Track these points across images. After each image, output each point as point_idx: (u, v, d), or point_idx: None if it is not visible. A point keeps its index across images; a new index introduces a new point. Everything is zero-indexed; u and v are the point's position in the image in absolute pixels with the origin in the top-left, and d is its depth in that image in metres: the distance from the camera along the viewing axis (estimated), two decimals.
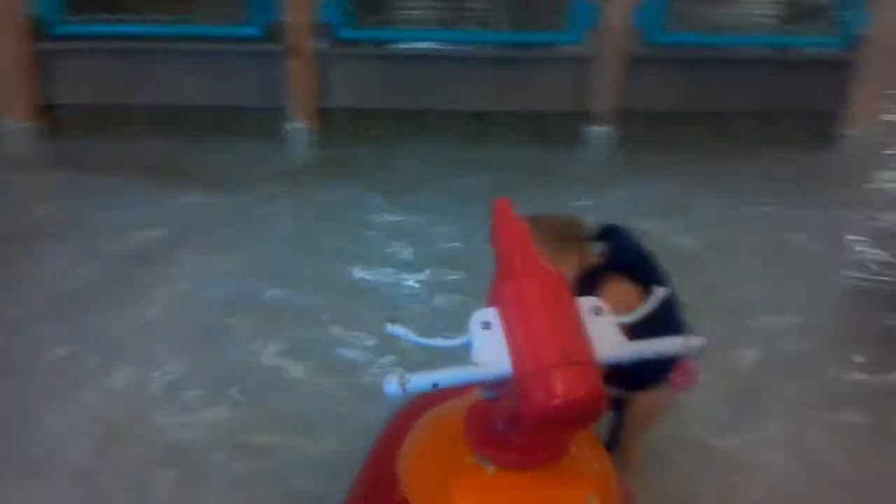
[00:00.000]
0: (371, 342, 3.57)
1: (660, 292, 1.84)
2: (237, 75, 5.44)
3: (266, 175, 5.13)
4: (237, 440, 3.06)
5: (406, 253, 4.33)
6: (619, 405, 2.76)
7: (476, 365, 1.66)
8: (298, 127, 5.49)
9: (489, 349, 1.68)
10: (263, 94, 5.47)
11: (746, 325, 3.79)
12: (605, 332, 1.72)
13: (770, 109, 5.72)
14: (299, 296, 3.90)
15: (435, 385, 1.65)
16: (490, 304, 1.74)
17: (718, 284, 4.07)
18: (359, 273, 4.13)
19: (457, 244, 4.40)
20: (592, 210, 4.62)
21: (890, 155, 5.74)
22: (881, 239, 4.67)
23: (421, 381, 1.64)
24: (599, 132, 5.58)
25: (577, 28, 5.36)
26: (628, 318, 1.78)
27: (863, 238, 4.68)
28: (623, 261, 2.60)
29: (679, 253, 4.27)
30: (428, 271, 4.16)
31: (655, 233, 4.16)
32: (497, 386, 1.75)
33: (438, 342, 1.73)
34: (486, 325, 1.70)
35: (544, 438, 1.82)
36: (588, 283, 2.51)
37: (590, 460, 1.92)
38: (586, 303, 1.75)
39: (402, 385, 1.63)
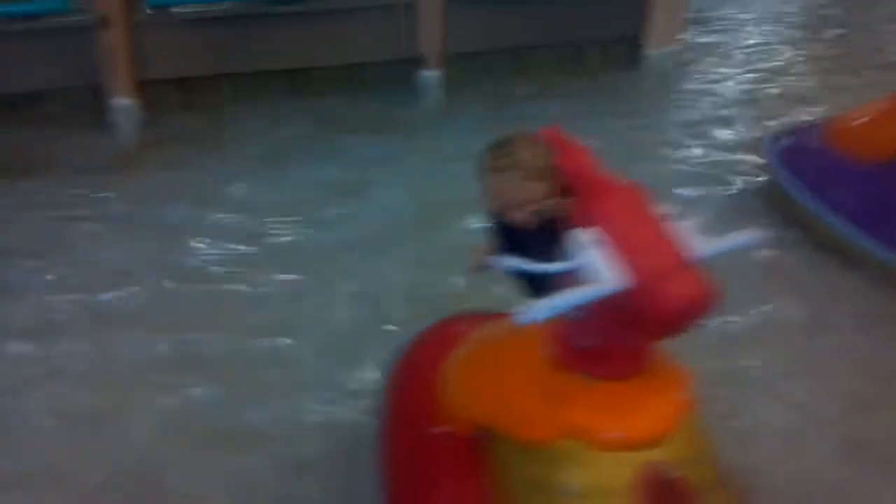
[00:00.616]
0: None
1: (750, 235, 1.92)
2: (44, 55, 4.97)
3: (93, 162, 4.78)
4: None
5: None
6: None
7: (594, 283, 1.72)
8: (121, 104, 5.12)
9: (601, 266, 1.73)
10: (76, 72, 5.05)
11: None
12: (686, 234, 1.82)
13: (577, 39, 6.01)
14: None
15: (566, 308, 1.69)
16: (584, 224, 1.79)
17: None
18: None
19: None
20: (430, 150, 4.90)
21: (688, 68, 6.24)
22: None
23: (551, 307, 1.68)
24: (428, 77, 5.63)
25: None
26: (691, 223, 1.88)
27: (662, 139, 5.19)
28: None
29: None
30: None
31: None
32: (585, 305, 1.81)
33: (550, 267, 1.77)
34: (590, 245, 1.75)
35: (639, 346, 1.92)
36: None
37: (664, 360, 2.02)
38: (661, 210, 1.85)
39: (535, 313, 1.67)
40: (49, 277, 3.78)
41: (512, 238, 2.68)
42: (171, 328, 3.45)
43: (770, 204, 4.38)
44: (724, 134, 5.27)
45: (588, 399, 1.91)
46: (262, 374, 3.23)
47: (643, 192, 1.84)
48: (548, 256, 2.56)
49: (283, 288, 3.74)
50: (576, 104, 5.54)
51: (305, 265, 3.87)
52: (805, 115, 5.31)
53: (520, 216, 2.45)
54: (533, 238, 2.59)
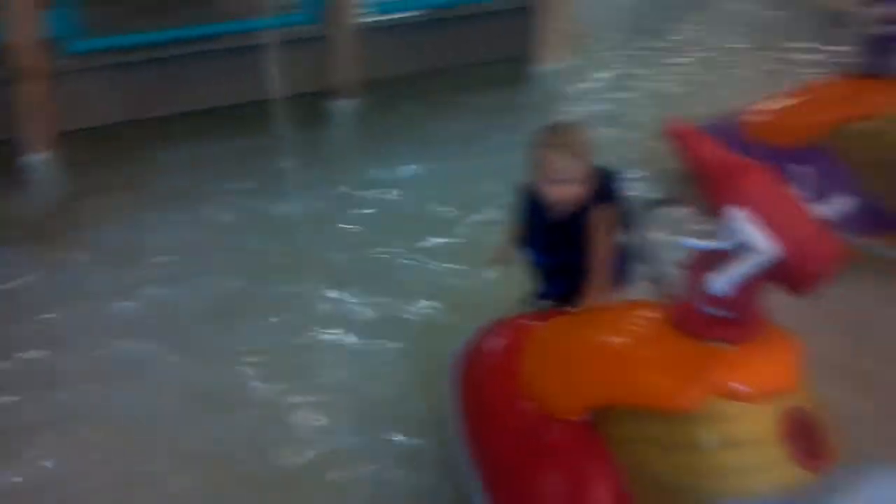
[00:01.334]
0: None
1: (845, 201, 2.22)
2: None
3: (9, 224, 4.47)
4: None
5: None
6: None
7: (755, 252, 1.97)
8: (38, 159, 4.93)
9: (756, 238, 1.98)
10: None
11: None
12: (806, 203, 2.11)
13: (475, 59, 6.32)
14: None
15: (742, 277, 1.94)
16: (729, 204, 2.03)
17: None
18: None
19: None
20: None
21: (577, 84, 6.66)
22: None
23: (735, 277, 1.92)
24: (344, 106, 5.76)
25: (310, 7, 5.46)
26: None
27: None
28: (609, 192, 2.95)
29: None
30: None
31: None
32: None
33: (717, 244, 2.01)
34: (741, 221, 2.00)
35: (757, 311, 2.18)
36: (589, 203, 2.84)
37: (770, 323, 2.28)
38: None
39: (729, 281, 1.91)
40: None
41: (539, 227, 2.93)
42: None
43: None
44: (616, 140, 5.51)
45: (730, 361, 2.14)
46: None
47: (770, 169, 2.11)
48: (571, 247, 2.84)
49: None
50: (473, 121, 5.86)
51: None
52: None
53: (560, 194, 2.73)
54: (560, 228, 2.87)
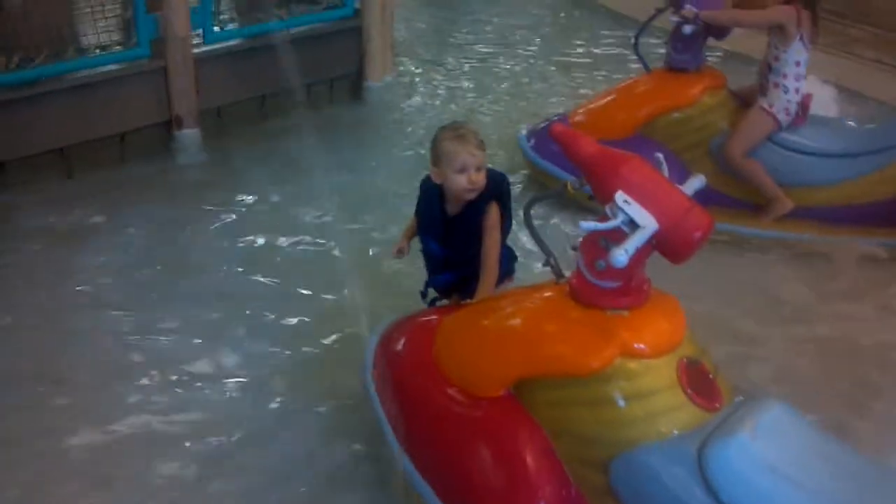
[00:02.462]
0: None
1: (698, 179, 2.61)
2: None
3: None
4: None
5: None
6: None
7: (643, 227, 2.31)
8: None
9: (642, 215, 2.33)
10: None
11: None
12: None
13: (310, 80, 6.48)
14: None
15: (636, 249, 2.28)
16: (615, 190, 2.37)
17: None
18: None
19: None
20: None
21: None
22: None
23: (631, 249, 2.25)
24: (189, 136, 5.80)
25: (144, 41, 5.47)
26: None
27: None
28: (500, 191, 3.27)
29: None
30: None
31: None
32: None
33: (608, 224, 2.33)
34: (627, 202, 2.34)
35: (643, 280, 2.53)
36: (482, 200, 3.14)
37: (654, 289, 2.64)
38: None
39: (626, 254, 2.23)
40: None
41: (437, 219, 3.20)
42: None
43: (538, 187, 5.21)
44: None
45: (629, 325, 2.47)
46: None
47: (642, 157, 2.46)
48: (465, 239, 3.13)
49: None
50: (316, 138, 6.02)
51: None
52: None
53: (469, 182, 3.01)
54: (455, 221, 3.16)
